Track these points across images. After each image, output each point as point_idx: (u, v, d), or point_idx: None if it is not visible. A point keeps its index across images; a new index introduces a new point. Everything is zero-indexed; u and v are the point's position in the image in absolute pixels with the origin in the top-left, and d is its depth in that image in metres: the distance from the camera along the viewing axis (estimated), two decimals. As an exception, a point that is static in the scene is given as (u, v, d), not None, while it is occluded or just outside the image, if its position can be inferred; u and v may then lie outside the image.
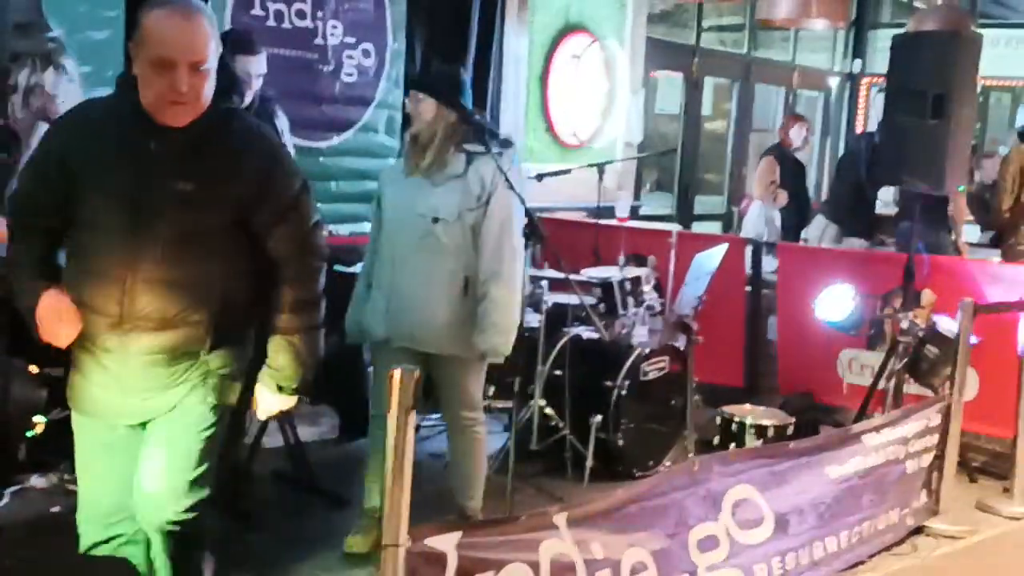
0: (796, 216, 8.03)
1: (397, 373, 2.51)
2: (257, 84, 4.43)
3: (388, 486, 2.51)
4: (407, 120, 3.98)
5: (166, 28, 2.48)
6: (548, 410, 4.94)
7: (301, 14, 5.43)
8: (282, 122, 4.62)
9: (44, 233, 2.63)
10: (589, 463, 4.81)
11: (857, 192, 7.10)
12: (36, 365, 2.87)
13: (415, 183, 3.79)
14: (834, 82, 11.43)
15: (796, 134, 8.15)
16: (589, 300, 5.11)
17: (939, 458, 4.36)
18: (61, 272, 2.63)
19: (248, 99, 4.41)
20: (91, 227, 2.56)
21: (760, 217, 8.04)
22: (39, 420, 2.71)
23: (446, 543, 2.62)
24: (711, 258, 4.97)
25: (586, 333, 5.06)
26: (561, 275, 4.99)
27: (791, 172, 8.10)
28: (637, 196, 8.69)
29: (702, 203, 10.04)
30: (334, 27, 5.60)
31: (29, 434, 2.68)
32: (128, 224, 2.53)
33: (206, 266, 2.62)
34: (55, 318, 2.55)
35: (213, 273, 2.64)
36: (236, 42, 4.51)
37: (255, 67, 4.39)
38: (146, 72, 2.51)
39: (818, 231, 7.41)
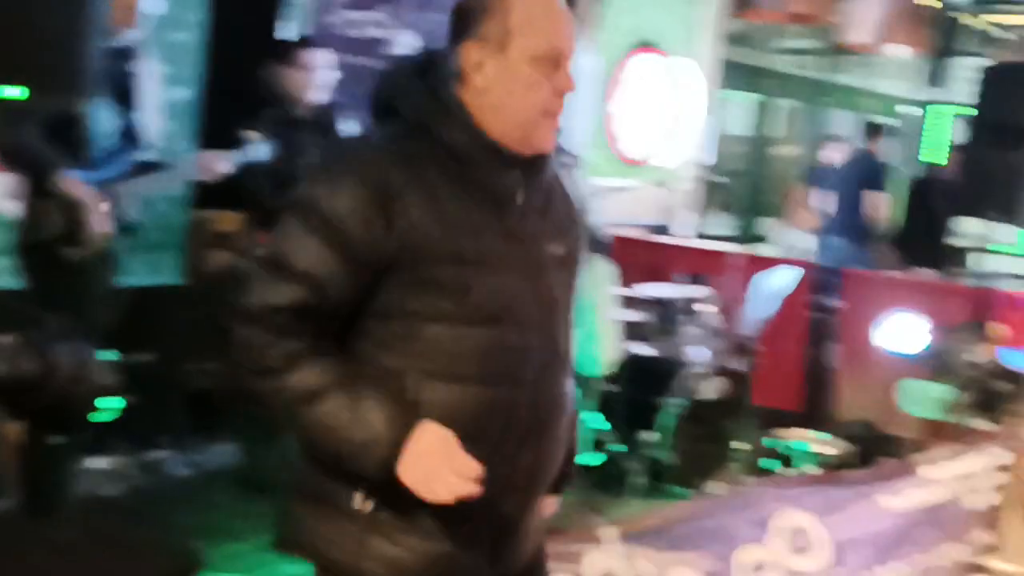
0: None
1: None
2: (324, 82, 4.50)
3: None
4: None
5: (545, 10, 1.83)
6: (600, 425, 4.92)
7: (376, 23, 5.47)
8: (348, 127, 4.67)
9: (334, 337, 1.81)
10: (639, 480, 4.78)
11: (928, 223, 7.00)
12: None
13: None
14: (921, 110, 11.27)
15: (828, 156, 8.07)
16: (646, 318, 5.10)
17: (1002, 495, 4.25)
18: None
19: (317, 98, 4.49)
20: (446, 320, 1.77)
21: (790, 241, 7.97)
22: (107, 406, 2.77)
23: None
24: (777, 279, 4.91)
25: (642, 349, 5.03)
26: (621, 292, 4.99)
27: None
28: (703, 215, 8.63)
29: (768, 224, 9.95)
30: (408, 37, 5.63)
31: (94, 418, 2.74)
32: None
33: None
34: (448, 462, 1.74)
35: None
36: (296, 41, 4.63)
37: (318, 60, 4.46)
38: (518, 77, 1.79)
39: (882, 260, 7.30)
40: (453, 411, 1.78)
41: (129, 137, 3.67)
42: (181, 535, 3.97)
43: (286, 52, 4.53)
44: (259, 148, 3.97)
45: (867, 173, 7.61)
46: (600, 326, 3.70)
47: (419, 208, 1.75)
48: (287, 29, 5.02)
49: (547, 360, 1.87)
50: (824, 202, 7.92)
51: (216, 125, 4.65)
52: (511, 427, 1.84)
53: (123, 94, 3.64)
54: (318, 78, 4.48)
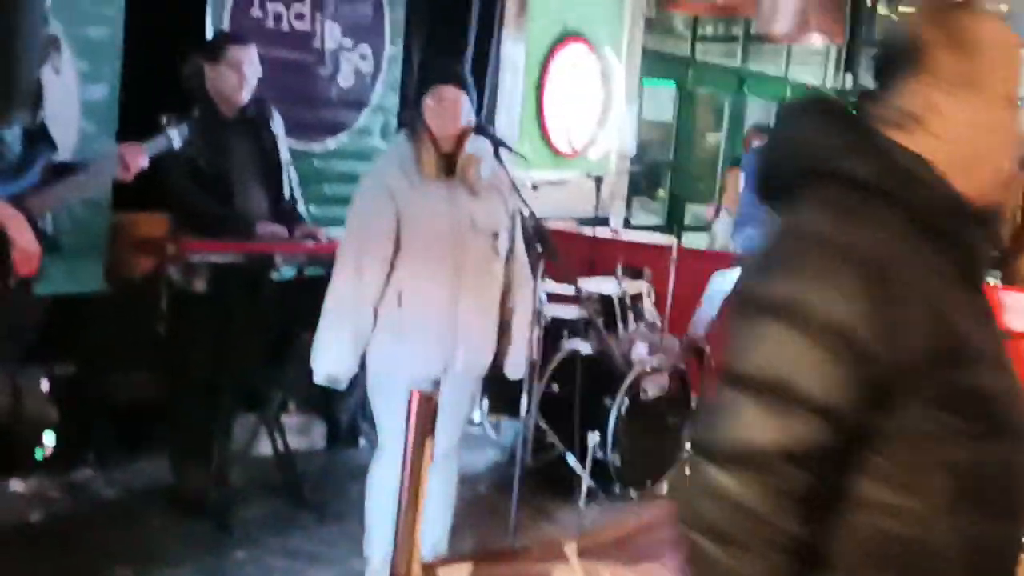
0: None
1: (416, 397, 2.40)
2: (253, 80, 4.31)
3: (401, 515, 2.40)
4: (401, 123, 3.77)
5: (1011, 40, 1.51)
6: (544, 426, 4.84)
7: (300, 16, 5.29)
8: (278, 125, 4.50)
9: None
10: (586, 482, 4.70)
11: None
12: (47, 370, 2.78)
13: (445, 193, 3.44)
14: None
15: (757, 146, 8.12)
16: (585, 315, 5.02)
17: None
18: None
19: (245, 98, 4.30)
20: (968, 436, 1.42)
21: (728, 227, 8.00)
22: (49, 441, 2.57)
23: (457, 574, 2.52)
24: (727, 280, 4.87)
25: (584, 348, 4.95)
26: (561, 288, 4.90)
27: None
28: (629, 206, 8.61)
29: (692, 212, 9.99)
30: (332, 30, 5.47)
31: (39, 455, 2.55)
32: None
33: None
34: None
35: None
36: (223, 35, 4.41)
37: (248, 57, 4.27)
38: (995, 122, 1.49)
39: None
40: (974, 551, 1.41)
41: (38, 140, 3.37)
42: (111, 562, 3.80)
43: (213, 48, 4.32)
44: (177, 134, 3.75)
45: None
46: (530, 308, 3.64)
47: (923, 300, 1.38)
48: (209, 22, 4.80)
49: None
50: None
51: (136, 123, 4.43)
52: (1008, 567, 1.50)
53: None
54: (248, 77, 4.28)
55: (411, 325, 3.41)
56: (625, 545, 3.03)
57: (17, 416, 2.52)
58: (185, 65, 4.40)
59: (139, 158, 3.48)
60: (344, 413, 5.19)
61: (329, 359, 3.46)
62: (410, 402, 2.41)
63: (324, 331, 3.48)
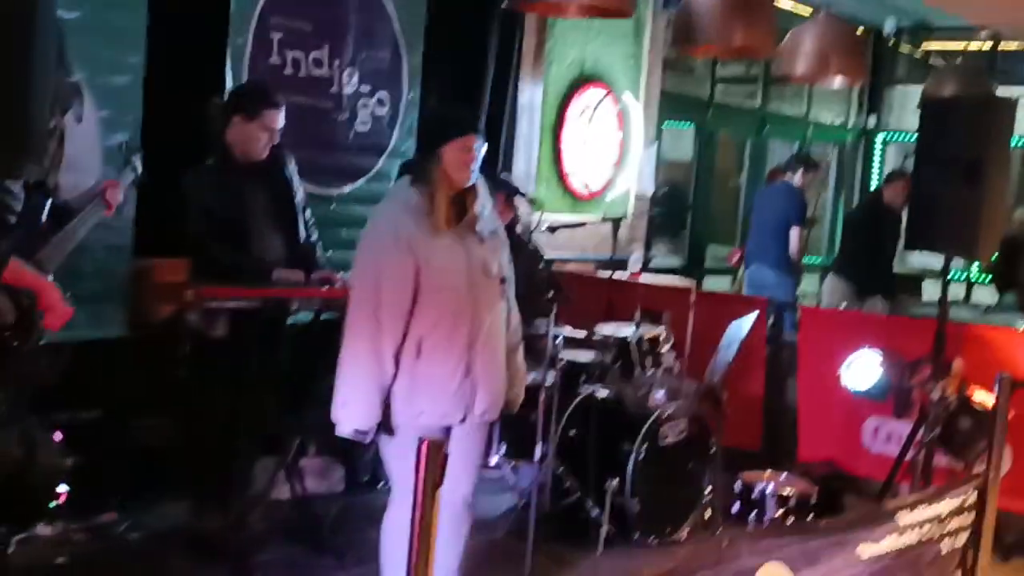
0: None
1: (425, 445, 2.38)
2: (277, 139, 4.36)
3: (412, 565, 2.38)
4: (403, 169, 3.76)
5: None
6: (562, 472, 4.81)
7: (318, 62, 5.35)
8: (291, 168, 4.54)
9: None
10: (604, 528, 4.66)
11: (873, 250, 7.03)
12: (60, 423, 2.78)
13: (459, 241, 3.45)
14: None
15: None
16: (603, 359, 5.00)
17: (975, 537, 4.20)
18: None
19: (265, 154, 4.34)
20: None
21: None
22: (62, 491, 2.58)
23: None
24: (742, 326, 4.85)
25: (601, 392, 4.93)
26: (578, 333, 4.88)
27: None
28: (648, 248, 8.60)
29: (713, 254, 9.96)
30: (350, 76, 5.53)
31: (52, 505, 2.55)
32: None
33: None
34: None
35: None
36: (261, 95, 4.44)
37: (280, 120, 4.33)
38: None
39: (832, 291, 7.33)
40: None
41: (39, 188, 3.39)
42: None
43: (248, 105, 4.35)
44: (138, 161, 3.90)
45: (788, 206, 7.64)
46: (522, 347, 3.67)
47: None
48: (228, 68, 4.85)
49: None
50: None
51: (157, 170, 4.48)
52: None
53: None
54: (275, 139, 4.33)
55: (429, 375, 3.41)
56: (641, 595, 2.99)
57: (30, 467, 2.52)
58: (209, 108, 4.46)
59: (117, 193, 3.68)
60: (363, 457, 5.17)
61: (355, 414, 3.41)
62: (419, 451, 2.40)
63: (345, 386, 3.42)
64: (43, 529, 4.00)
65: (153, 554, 4.25)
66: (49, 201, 3.31)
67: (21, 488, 2.55)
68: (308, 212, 4.59)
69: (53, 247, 3.23)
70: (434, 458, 2.40)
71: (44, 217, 3.30)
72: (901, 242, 5.75)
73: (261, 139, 4.31)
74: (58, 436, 2.64)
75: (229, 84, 4.85)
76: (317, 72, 5.36)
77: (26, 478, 2.56)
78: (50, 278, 3.23)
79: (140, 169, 3.91)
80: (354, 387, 3.40)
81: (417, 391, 3.41)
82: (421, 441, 2.40)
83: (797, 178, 7.83)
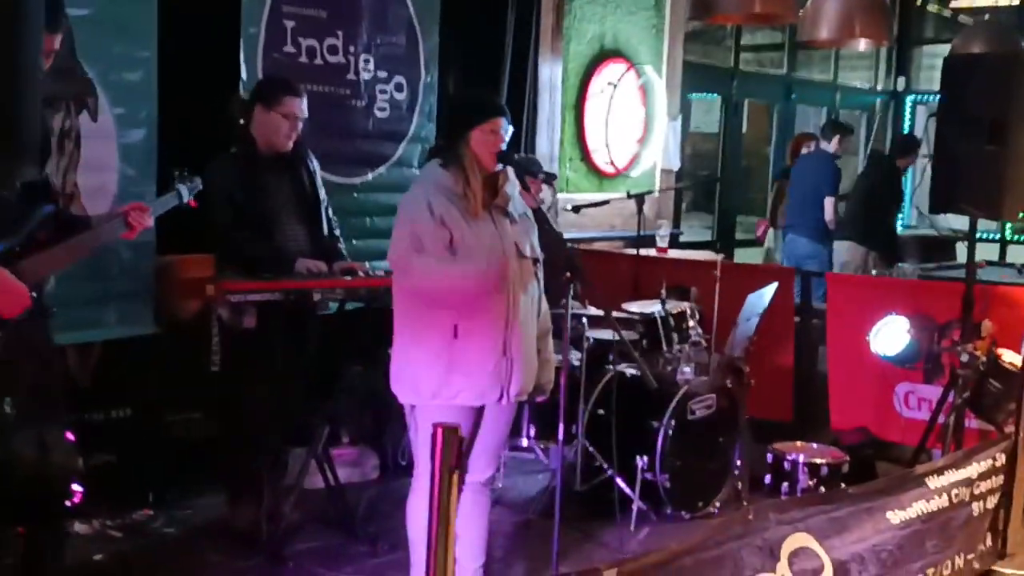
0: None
1: (440, 430, 2.39)
2: (300, 128, 4.37)
3: (431, 550, 2.39)
4: (432, 152, 3.75)
5: None
6: (592, 450, 4.81)
7: (333, 50, 5.35)
8: (314, 163, 4.55)
9: None
10: (636, 505, 4.66)
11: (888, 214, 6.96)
12: (72, 427, 2.78)
13: (492, 222, 3.47)
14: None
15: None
16: (630, 337, 4.98)
17: (1005, 498, 4.16)
18: None
19: (290, 145, 4.34)
20: None
21: (775, 242, 7.88)
22: (77, 490, 2.61)
23: (493, 608, 2.50)
24: (762, 297, 4.81)
25: (629, 371, 4.92)
26: (602, 312, 4.86)
27: None
28: (676, 223, 8.54)
29: (744, 224, 9.89)
30: (366, 62, 5.52)
31: (68, 504, 2.59)
32: None
33: None
34: None
35: None
36: (280, 83, 4.44)
37: (301, 108, 4.33)
38: None
39: (850, 258, 7.23)
40: None
41: (38, 193, 3.21)
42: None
43: (268, 94, 4.34)
44: (186, 189, 3.78)
45: (821, 175, 7.56)
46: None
47: None
48: (242, 59, 4.87)
49: None
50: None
51: (173, 166, 4.50)
52: None
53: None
54: (298, 129, 4.34)
55: (467, 355, 3.43)
56: (667, 568, 2.99)
57: (43, 468, 2.54)
58: (231, 101, 4.46)
59: (145, 218, 3.42)
60: (399, 444, 5.20)
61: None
62: (434, 436, 2.40)
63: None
64: (79, 527, 4.07)
65: (189, 548, 4.29)
66: (50, 209, 3.20)
67: (37, 489, 2.57)
68: (331, 210, 4.60)
69: (52, 256, 3.08)
70: (450, 442, 2.41)
71: (40, 224, 3.13)
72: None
73: (282, 128, 4.29)
74: (71, 436, 2.65)
75: (243, 75, 4.86)
76: (332, 59, 5.36)
77: (41, 479, 2.58)
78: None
79: (187, 197, 3.74)
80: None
81: (455, 371, 3.43)
82: (436, 426, 2.41)
83: (832, 145, 7.73)
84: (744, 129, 10.12)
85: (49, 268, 3.14)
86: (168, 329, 4.59)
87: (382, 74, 5.62)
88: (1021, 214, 4.65)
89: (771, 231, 8.01)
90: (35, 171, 3.03)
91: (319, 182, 4.54)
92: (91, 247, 3.38)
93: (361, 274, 4.37)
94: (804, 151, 8.23)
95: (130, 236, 3.42)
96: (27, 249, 3.06)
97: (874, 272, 7.00)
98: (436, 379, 3.44)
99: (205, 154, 4.27)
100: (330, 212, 4.58)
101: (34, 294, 3.03)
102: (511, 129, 3.56)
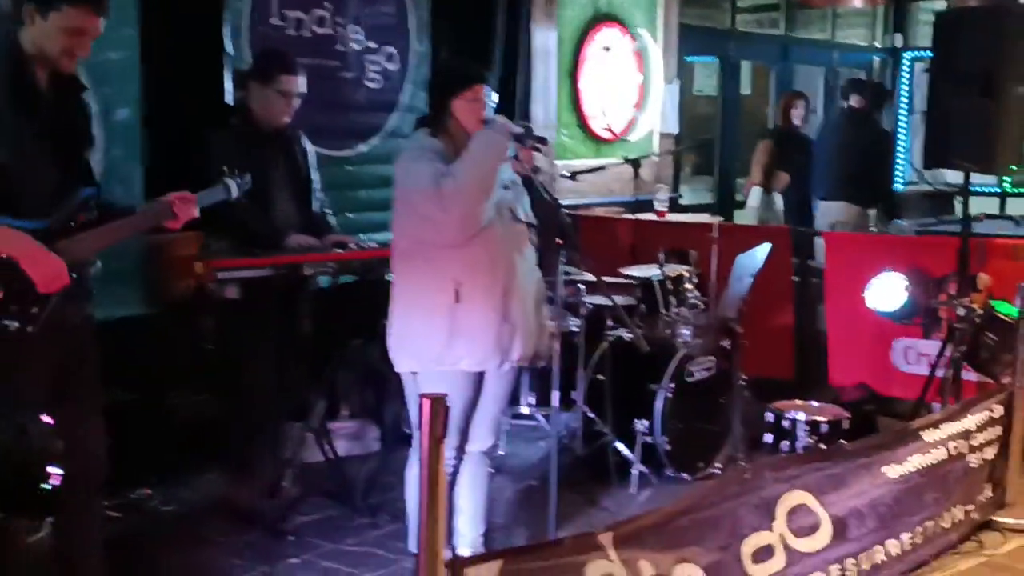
0: (801, 197, 7.73)
1: (427, 402, 2.40)
2: (296, 106, 4.35)
3: (422, 517, 2.40)
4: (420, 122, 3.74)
5: None
6: (592, 415, 4.82)
7: (321, 21, 5.32)
8: (308, 147, 4.54)
9: None
10: (636, 469, 4.67)
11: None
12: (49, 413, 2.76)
13: None
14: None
15: (796, 113, 7.87)
16: (628, 301, 4.98)
17: (1003, 449, 4.17)
18: None
19: (286, 122, 4.33)
20: None
21: (760, 201, 7.81)
22: (55, 471, 2.61)
23: (487, 572, 2.50)
24: (753, 258, 4.79)
25: (627, 335, 4.91)
26: (595, 278, 4.85)
27: (795, 153, 7.70)
28: (676, 187, 8.50)
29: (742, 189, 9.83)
30: (355, 33, 5.48)
31: (45, 486, 2.59)
32: None
33: None
34: None
35: None
36: (275, 59, 4.42)
37: (296, 86, 4.31)
38: None
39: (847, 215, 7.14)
40: None
41: (77, 176, 3.16)
42: (171, 576, 3.88)
43: (263, 71, 4.33)
44: (235, 185, 3.74)
45: (866, 133, 7.39)
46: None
47: None
48: (227, 33, 4.84)
49: None
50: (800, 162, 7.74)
51: (160, 145, 4.49)
52: None
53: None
54: (294, 106, 4.32)
55: (469, 320, 3.44)
56: (664, 530, 3.00)
57: (20, 452, 2.54)
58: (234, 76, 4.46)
59: (191, 208, 3.33)
60: (394, 415, 5.20)
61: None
62: (421, 406, 2.41)
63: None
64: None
65: (189, 526, 4.29)
66: (91, 192, 3.14)
67: (12, 473, 2.57)
68: (321, 193, 4.59)
69: (75, 241, 3.03)
70: (437, 412, 2.41)
71: (79, 206, 3.09)
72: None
73: (278, 104, 4.28)
74: (47, 419, 2.63)
75: (229, 49, 4.83)
76: (320, 31, 5.33)
77: (16, 463, 2.58)
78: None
79: (236, 192, 3.65)
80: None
81: (457, 336, 3.44)
82: (423, 397, 2.42)
83: (854, 103, 7.57)
84: (748, 91, 10.04)
85: (89, 249, 3.11)
86: (163, 309, 4.59)
87: (372, 44, 5.59)
88: (1013, 167, 4.63)
89: (757, 191, 7.88)
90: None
91: (312, 162, 4.54)
92: (133, 231, 3.35)
93: (353, 246, 4.36)
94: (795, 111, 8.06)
95: (175, 226, 3.34)
96: (67, 229, 3.04)
97: (873, 230, 6.96)
98: (439, 345, 3.45)
99: (192, 131, 4.26)
100: (320, 194, 4.58)
101: (75, 275, 3.01)
102: (495, 95, 3.56)
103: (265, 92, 4.28)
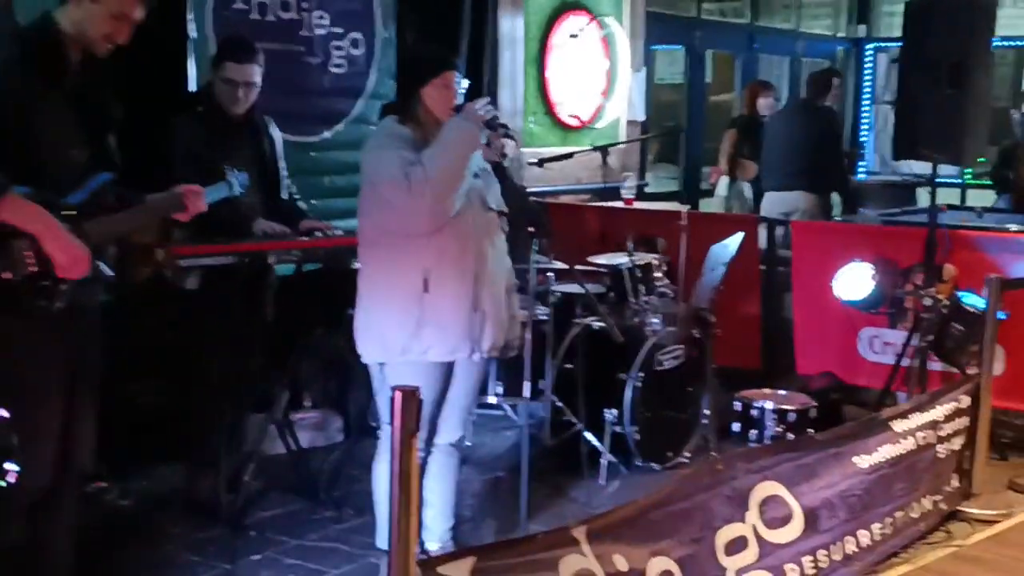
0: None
1: (399, 394, 2.35)
2: (251, 96, 4.28)
3: (393, 514, 2.35)
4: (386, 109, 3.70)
5: None
6: (561, 405, 4.78)
7: (285, 6, 5.21)
8: (276, 132, 4.47)
9: None
10: (605, 459, 4.65)
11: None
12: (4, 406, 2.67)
13: None
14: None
15: (764, 103, 7.87)
16: (597, 290, 4.95)
17: (970, 439, 4.19)
18: None
19: (241, 110, 4.26)
20: None
21: (727, 190, 7.81)
22: (11, 468, 2.53)
23: (459, 570, 2.46)
24: (726, 248, 4.78)
25: (596, 324, 4.88)
26: (566, 266, 4.82)
27: (761, 142, 7.62)
28: (643, 175, 8.48)
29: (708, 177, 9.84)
30: (320, 18, 5.39)
31: (2, 484, 2.51)
32: None
33: None
34: None
35: None
36: (225, 48, 4.35)
37: (244, 75, 4.23)
38: None
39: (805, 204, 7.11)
40: None
41: (99, 160, 3.12)
42: (128, 572, 3.79)
43: (216, 58, 4.30)
44: (236, 181, 3.70)
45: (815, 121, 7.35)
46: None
47: None
48: (191, 17, 4.74)
49: None
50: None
51: (124, 132, 4.38)
52: None
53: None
54: (241, 98, 4.25)
55: (438, 309, 3.38)
56: (637, 523, 2.97)
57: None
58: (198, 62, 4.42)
59: (200, 202, 3.32)
60: (359, 406, 5.14)
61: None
62: (393, 399, 2.36)
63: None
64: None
65: (146, 520, 4.21)
66: (110, 177, 3.09)
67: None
68: (289, 182, 4.52)
69: (97, 224, 2.99)
70: (409, 406, 2.37)
71: (100, 190, 3.06)
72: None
73: (226, 92, 4.23)
74: (4, 413, 2.55)
75: (192, 33, 4.74)
76: (285, 15, 5.23)
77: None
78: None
79: (239, 190, 3.69)
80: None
81: (426, 326, 3.39)
82: (395, 389, 2.37)
83: (819, 97, 7.53)
84: (710, 79, 10.04)
85: (108, 233, 3.08)
86: (120, 298, 4.48)
87: (337, 30, 5.50)
88: (981, 158, 4.64)
89: (724, 180, 7.88)
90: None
91: (280, 151, 4.47)
92: (148, 219, 3.31)
93: (327, 233, 4.30)
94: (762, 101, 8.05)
95: (184, 219, 3.32)
96: (89, 212, 2.98)
97: (838, 218, 6.97)
98: (406, 335, 3.39)
99: (157, 118, 4.17)
100: (288, 182, 4.52)
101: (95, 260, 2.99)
102: (465, 82, 3.51)
103: (218, 82, 4.23)
